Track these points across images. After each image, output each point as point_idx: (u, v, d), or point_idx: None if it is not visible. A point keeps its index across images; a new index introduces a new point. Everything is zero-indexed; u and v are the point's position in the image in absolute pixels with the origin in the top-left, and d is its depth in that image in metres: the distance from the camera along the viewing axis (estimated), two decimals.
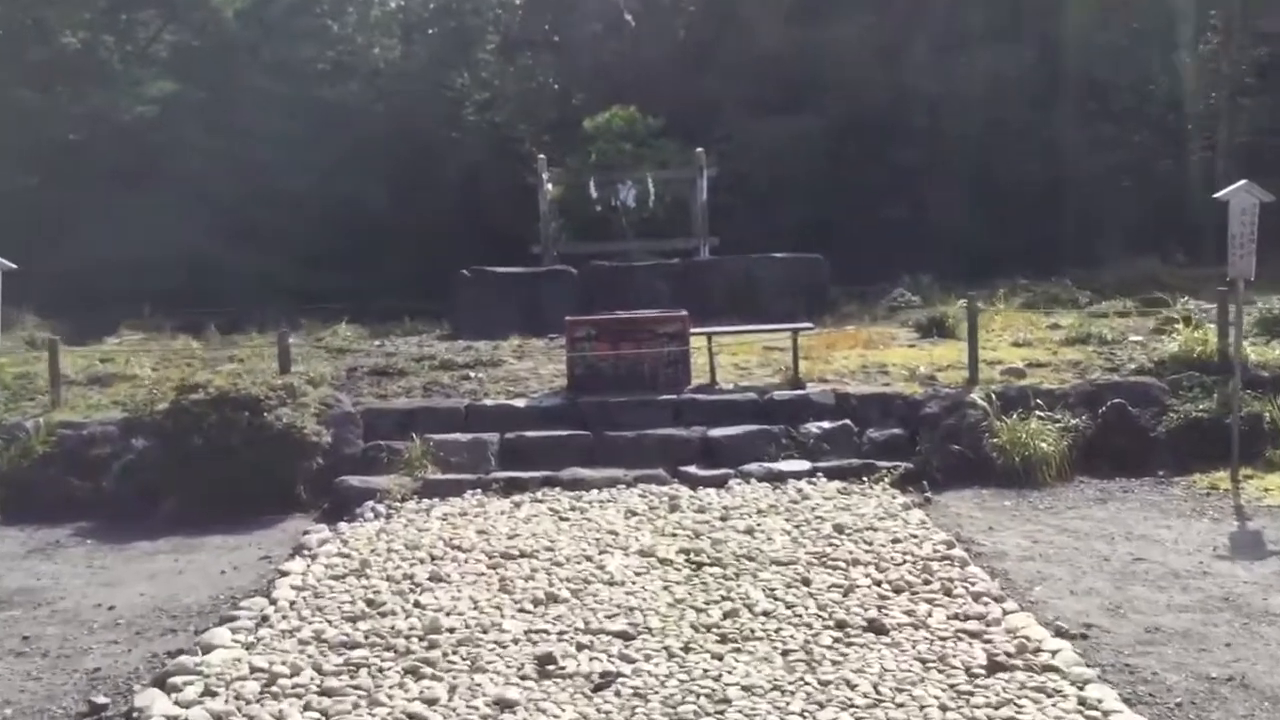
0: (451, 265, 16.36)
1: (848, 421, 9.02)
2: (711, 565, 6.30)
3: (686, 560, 6.40)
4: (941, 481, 8.45)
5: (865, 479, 8.34)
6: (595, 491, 8.25)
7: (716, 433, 8.92)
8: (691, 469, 8.59)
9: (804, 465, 8.56)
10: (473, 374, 10.96)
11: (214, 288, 21.34)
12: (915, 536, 6.82)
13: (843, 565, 6.23)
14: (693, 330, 10.05)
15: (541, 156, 17.84)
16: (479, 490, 8.34)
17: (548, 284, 15.72)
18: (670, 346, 9.70)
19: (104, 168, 21.91)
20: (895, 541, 6.70)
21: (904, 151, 22.59)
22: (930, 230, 20.66)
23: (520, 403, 9.53)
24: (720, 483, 8.35)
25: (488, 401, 9.57)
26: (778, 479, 8.36)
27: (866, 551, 6.49)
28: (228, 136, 23.68)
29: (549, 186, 17.65)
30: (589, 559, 6.50)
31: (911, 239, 20.02)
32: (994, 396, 9.01)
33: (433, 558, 6.63)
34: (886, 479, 8.29)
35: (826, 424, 8.96)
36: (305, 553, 6.94)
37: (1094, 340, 11.34)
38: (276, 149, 23.77)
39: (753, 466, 8.54)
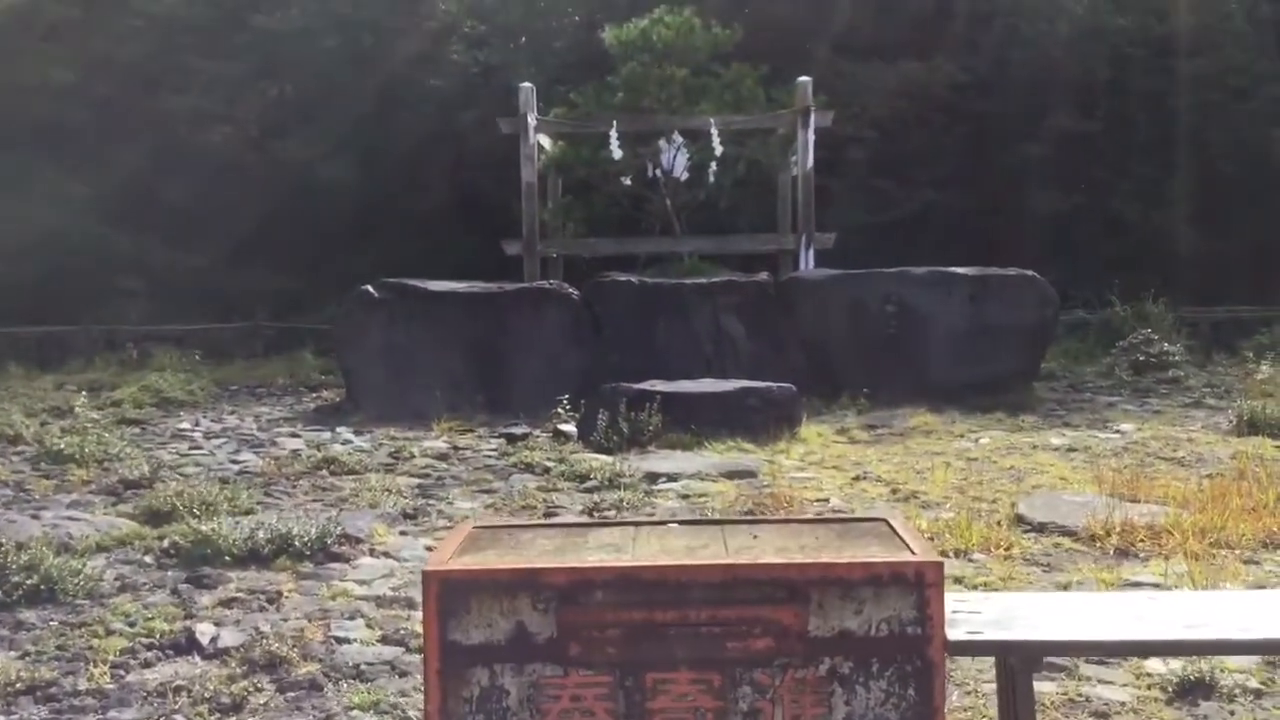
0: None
1: None
2: None
3: None
4: None
5: None
6: None
7: None
8: None
9: None
10: (220, 630, 3.71)
11: (90, 289, 16.37)
12: None
13: None
14: (955, 639, 2.33)
15: (527, 85, 10.06)
16: None
17: (523, 314, 8.52)
18: (853, 696, 2.14)
19: None
20: None
21: (1073, 116, 17.24)
22: (1110, 226, 16.17)
23: None
24: None
25: None
26: None
27: None
28: (111, 76, 17.06)
29: (540, 140, 10.12)
30: None
31: (1082, 237, 15.82)
32: None
33: None
34: None
35: None
36: None
37: None
38: (184, 96, 17.41)
39: None
